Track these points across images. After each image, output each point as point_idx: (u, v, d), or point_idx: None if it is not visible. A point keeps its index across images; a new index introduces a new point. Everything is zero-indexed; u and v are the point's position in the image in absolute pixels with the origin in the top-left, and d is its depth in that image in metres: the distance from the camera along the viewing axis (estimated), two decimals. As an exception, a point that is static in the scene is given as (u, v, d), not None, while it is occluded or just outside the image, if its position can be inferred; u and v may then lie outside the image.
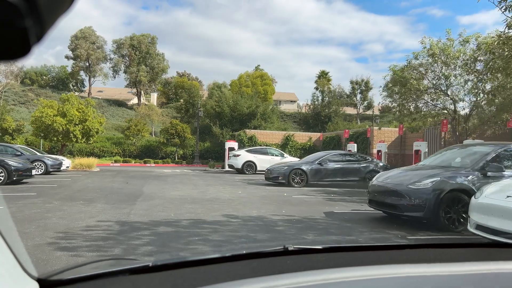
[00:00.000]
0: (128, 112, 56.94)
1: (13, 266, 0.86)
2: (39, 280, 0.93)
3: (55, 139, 24.48)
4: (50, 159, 19.71)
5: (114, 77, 60.87)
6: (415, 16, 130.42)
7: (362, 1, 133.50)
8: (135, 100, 63.74)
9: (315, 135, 27.26)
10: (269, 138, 26.73)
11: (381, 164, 16.25)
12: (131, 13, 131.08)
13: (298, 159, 24.06)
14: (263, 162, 23.17)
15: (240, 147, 25.84)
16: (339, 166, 15.70)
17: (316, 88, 73.09)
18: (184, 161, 40.61)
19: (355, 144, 21.10)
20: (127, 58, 59.09)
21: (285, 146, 25.97)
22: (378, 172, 15.65)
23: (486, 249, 1.40)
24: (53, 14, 0.53)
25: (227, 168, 25.42)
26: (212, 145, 40.94)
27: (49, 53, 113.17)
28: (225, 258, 1.09)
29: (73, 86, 62.70)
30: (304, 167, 15.40)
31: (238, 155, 23.09)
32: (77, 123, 24.81)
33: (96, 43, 57.26)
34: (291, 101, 72.23)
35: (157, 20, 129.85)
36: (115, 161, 38.21)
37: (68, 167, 23.18)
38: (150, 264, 1.03)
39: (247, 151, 23.45)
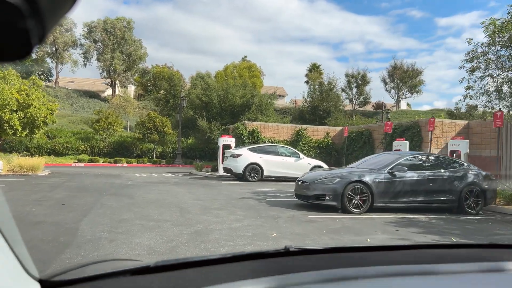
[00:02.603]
0: (101, 104, 49.41)
1: (15, 266, 0.83)
2: (40, 281, 0.89)
3: (-18, 130, 17.37)
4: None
5: (85, 65, 53.27)
6: (395, 17, 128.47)
7: (344, 1, 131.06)
8: (109, 92, 56.13)
9: (334, 130, 20.88)
10: (275, 132, 20.20)
11: (482, 172, 9.88)
12: (111, 7, 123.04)
13: (320, 161, 17.61)
14: (271, 164, 16.62)
15: (238, 144, 19.26)
16: (421, 177, 9.30)
17: (307, 82, 67.12)
18: (164, 161, 33.63)
19: (407, 142, 14.83)
20: (100, 44, 51.40)
21: (296, 143, 19.57)
22: (481, 186, 9.32)
23: (483, 250, 1.36)
24: (54, 15, 0.52)
25: (221, 172, 18.76)
26: (197, 141, 34.09)
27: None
28: (226, 259, 1.05)
29: (39, 74, 54.47)
30: (367, 179, 8.92)
31: (238, 156, 16.47)
32: (14, 108, 17.60)
33: (64, 25, 49.34)
34: (280, 96, 65.88)
35: (138, 15, 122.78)
36: (79, 161, 30.95)
37: (-1, 170, 16.10)
38: (152, 265, 0.99)
39: (250, 149, 16.86)
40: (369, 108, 60.65)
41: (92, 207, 8.62)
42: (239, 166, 16.39)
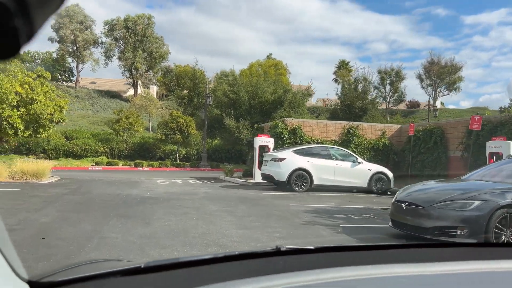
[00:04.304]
0: (122, 104, 46.85)
1: (2, 267, 0.81)
2: (29, 282, 0.87)
3: (-22, 129, 14.44)
4: None
5: (107, 64, 50.69)
6: (420, 16, 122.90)
7: (367, 0, 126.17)
8: (131, 92, 53.67)
9: (391, 128, 17.24)
10: (322, 131, 16.71)
11: None
12: (135, 11, 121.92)
13: (382, 167, 14.04)
14: (323, 170, 13.12)
15: (277, 145, 15.84)
16: None
17: (336, 80, 63.23)
18: (188, 164, 30.50)
19: (510, 142, 11.08)
20: (121, 42, 48.85)
21: (346, 143, 16.05)
22: None
23: (476, 249, 1.34)
24: (43, 14, 0.51)
25: (257, 180, 15.36)
26: (223, 142, 30.83)
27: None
28: (217, 259, 1.03)
29: (60, 75, 52.35)
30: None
31: (281, 159, 13.04)
32: (14, 104, 14.63)
33: (84, 23, 46.97)
34: (308, 95, 62.16)
35: (161, 18, 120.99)
36: (96, 164, 28.13)
37: (-7, 177, 13.14)
38: (143, 265, 0.96)
39: (296, 152, 13.41)
40: (401, 107, 56.49)
41: (83, 246, 5.35)
42: (282, 172, 12.96)
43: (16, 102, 14.62)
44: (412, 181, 14.69)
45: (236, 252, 1.06)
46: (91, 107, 46.59)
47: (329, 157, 13.49)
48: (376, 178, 13.50)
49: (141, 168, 27.49)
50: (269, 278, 0.92)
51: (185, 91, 43.60)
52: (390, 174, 13.68)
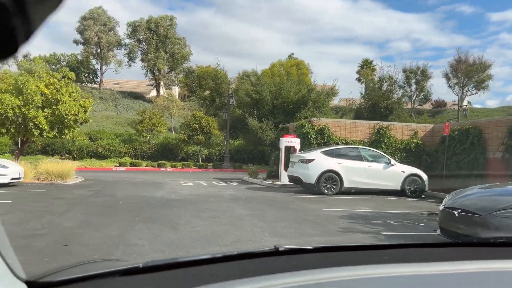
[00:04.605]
0: (145, 105, 47.09)
1: (1, 268, 0.81)
2: (27, 282, 0.87)
3: (4, 130, 14.34)
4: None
5: (130, 65, 50.96)
6: (444, 14, 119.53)
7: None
8: (154, 93, 53.96)
9: (423, 128, 16.39)
10: (350, 131, 16.03)
11: None
12: (157, 14, 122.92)
13: (416, 169, 13.34)
14: (353, 172, 12.51)
15: (304, 146, 15.27)
16: None
17: (359, 80, 62.04)
18: (210, 164, 30.23)
19: None
20: (144, 44, 49.09)
21: (377, 143, 15.34)
22: None
23: (475, 249, 1.31)
24: (41, 13, 0.51)
25: (283, 181, 14.84)
26: (246, 143, 30.43)
27: (56, 39, 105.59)
28: (216, 259, 1.03)
29: (85, 76, 53.03)
30: None
31: (310, 161, 12.48)
32: (40, 105, 14.55)
33: (108, 24, 47.38)
34: (333, 94, 61.23)
35: (182, 20, 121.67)
36: (120, 164, 28.18)
37: (19, 178, 13.03)
38: (141, 265, 0.96)
39: (325, 153, 12.83)
40: (426, 107, 54.94)
41: (109, 254, 4.97)
42: (311, 174, 12.41)
43: (42, 103, 14.52)
44: (447, 184, 13.90)
45: (235, 252, 1.05)
46: (114, 108, 46.98)
47: (359, 158, 12.86)
48: (410, 180, 12.80)
49: (164, 169, 27.36)
50: (267, 278, 0.92)
51: (207, 92, 43.49)
52: (424, 176, 12.95)
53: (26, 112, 14.12)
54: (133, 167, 27.52)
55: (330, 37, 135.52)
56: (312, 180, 12.40)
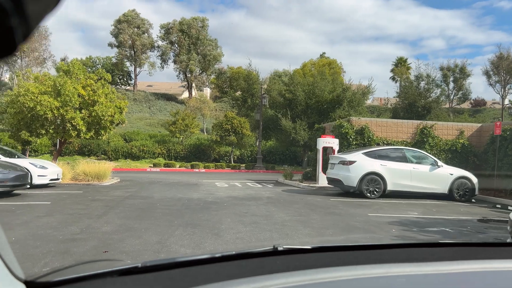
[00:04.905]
0: (178, 106, 47.45)
1: None
2: (26, 282, 0.87)
3: (43, 131, 14.48)
4: (-4, 168, 9.55)
5: (162, 67, 51.51)
6: (481, 9, 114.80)
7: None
8: (186, 94, 54.36)
9: (469, 127, 15.34)
10: (392, 131, 15.25)
11: None
12: (189, 16, 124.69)
13: (465, 171, 12.48)
14: (398, 175, 11.79)
15: (343, 147, 14.63)
16: None
17: (393, 78, 60.29)
18: (243, 165, 29.91)
19: None
20: (176, 45, 49.48)
21: (420, 144, 14.49)
22: None
23: (473, 248, 1.29)
24: (39, 13, 0.51)
25: (321, 184, 14.27)
26: (279, 143, 29.95)
27: (91, 44, 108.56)
28: (214, 259, 1.02)
29: (119, 79, 54.06)
30: None
31: (351, 162, 11.87)
32: (77, 106, 14.61)
33: (141, 27, 48.03)
34: (368, 93, 59.89)
35: (213, 22, 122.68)
36: (154, 165, 28.31)
37: (57, 179, 13.10)
38: (140, 265, 0.95)
39: (367, 154, 12.17)
40: (464, 106, 52.66)
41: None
42: (352, 176, 11.79)
43: (79, 104, 14.58)
44: (498, 187, 12.94)
45: (233, 252, 1.04)
46: (148, 109, 47.59)
47: (404, 159, 12.12)
48: (459, 183, 11.95)
49: (197, 170, 27.27)
50: (266, 278, 0.91)
51: (238, 93, 43.33)
52: (474, 179, 12.06)
53: (64, 113, 14.20)
54: (167, 168, 27.59)
55: (361, 36, 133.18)
56: (354, 183, 11.78)
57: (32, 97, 13.78)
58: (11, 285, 0.82)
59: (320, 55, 58.40)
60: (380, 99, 55.73)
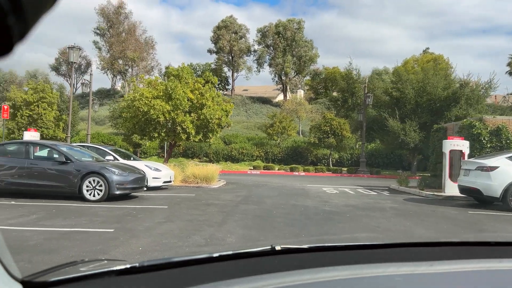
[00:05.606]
0: (273, 109, 47.37)
1: None
2: (23, 282, 0.86)
3: (156, 134, 14.83)
4: (117, 169, 9.71)
5: (259, 71, 52.03)
6: None
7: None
8: (280, 97, 54.21)
9: None
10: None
11: None
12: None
13: None
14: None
15: (473, 150, 12.61)
16: None
17: (510, 73, 53.39)
18: (345, 169, 28.35)
19: None
20: (271, 49, 49.54)
21: None
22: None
23: (472, 248, 1.27)
24: (36, 12, 0.50)
25: (448, 193, 12.43)
26: (385, 146, 27.83)
27: (190, 52, 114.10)
28: (212, 259, 1.01)
29: (218, 84, 55.89)
30: None
31: (492, 168, 9.96)
32: (186, 109, 14.70)
33: (239, 32, 48.98)
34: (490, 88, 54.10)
35: (305, 25, 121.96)
36: (254, 167, 28.19)
37: (170, 181, 13.23)
38: (137, 265, 0.95)
39: (511, 158, 10.16)
40: None
41: None
42: (494, 185, 9.88)
43: (188, 107, 14.64)
44: None
45: (231, 252, 1.03)
46: (244, 113, 48.30)
47: None
48: None
49: (297, 173, 26.49)
50: (263, 278, 0.91)
51: (334, 93, 41.72)
52: None
53: (175, 117, 14.38)
54: (266, 171, 27.27)
55: (465, 29, 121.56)
56: (496, 193, 9.86)
57: (146, 102, 14.16)
58: (8, 285, 0.81)
59: (423, 51, 54.04)
60: (495, 96, 49.62)
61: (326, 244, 1.15)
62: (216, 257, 1.00)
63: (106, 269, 0.93)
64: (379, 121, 25.86)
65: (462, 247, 1.28)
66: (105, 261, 1.35)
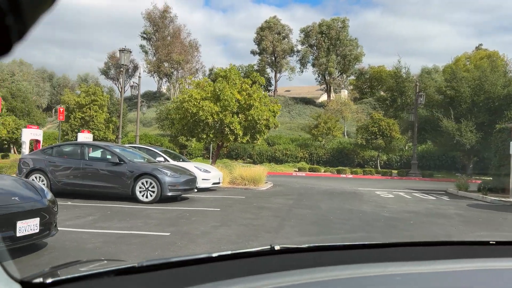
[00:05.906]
0: (316, 110, 46.56)
1: None
2: (21, 283, 0.87)
3: (204, 136, 14.74)
4: (169, 171, 9.62)
5: (302, 71, 51.40)
6: None
7: None
8: (324, 97, 53.25)
9: None
10: None
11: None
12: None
13: None
14: None
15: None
16: None
17: None
18: (395, 172, 27.15)
19: None
20: (315, 48, 48.76)
21: None
22: None
23: (471, 247, 1.27)
24: (35, 12, 0.50)
25: (519, 198, 11.41)
26: (438, 147, 26.44)
27: (232, 55, 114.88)
28: (211, 259, 1.01)
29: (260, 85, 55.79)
30: None
31: None
32: (235, 110, 14.51)
33: (282, 33, 48.59)
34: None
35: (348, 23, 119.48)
36: (299, 169, 27.66)
37: (218, 183, 13.08)
38: (136, 265, 0.94)
39: None
40: None
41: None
42: None
43: (236, 108, 14.44)
44: None
45: (230, 252, 1.02)
46: (288, 114, 47.83)
47: None
48: None
49: (344, 175, 25.69)
50: (262, 277, 0.91)
51: (381, 93, 40.31)
52: None
53: (223, 118, 14.22)
54: (312, 173, 26.67)
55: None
56: None
57: (195, 103, 14.11)
58: (7, 285, 0.81)
59: (476, 47, 51.23)
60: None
61: (325, 244, 1.15)
62: (215, 257, 1.00)
63: (105, 269, 0.93)
64: (431, 121, 24.57)
65: (462, 247, 1.27)
66: (105, 261, 1.33)
